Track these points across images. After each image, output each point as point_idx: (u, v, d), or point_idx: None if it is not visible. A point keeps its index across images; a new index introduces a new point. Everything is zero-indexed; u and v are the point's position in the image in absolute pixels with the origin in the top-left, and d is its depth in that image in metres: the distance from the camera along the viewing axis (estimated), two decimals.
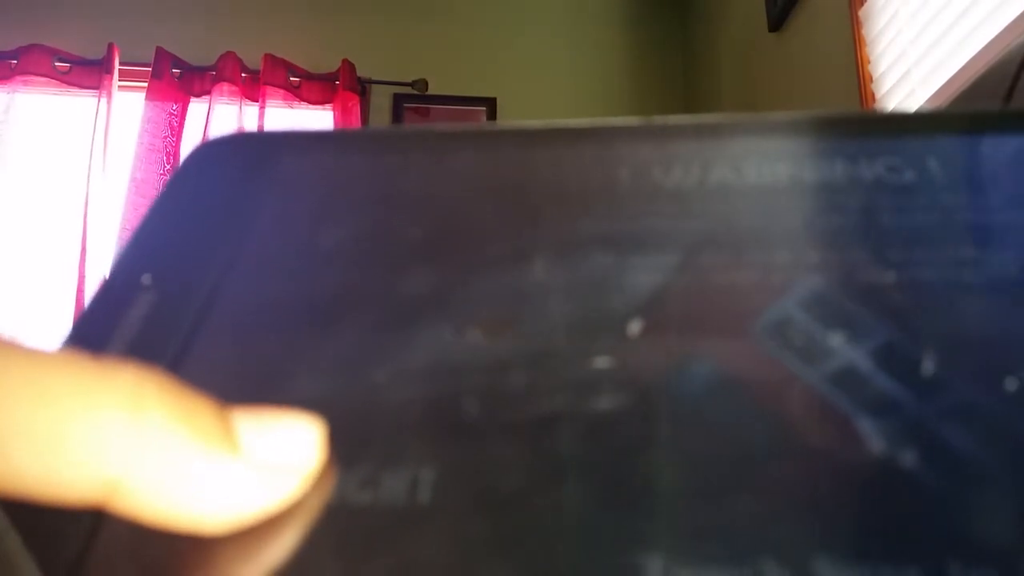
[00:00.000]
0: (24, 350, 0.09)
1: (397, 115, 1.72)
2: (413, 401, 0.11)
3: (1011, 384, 0.10)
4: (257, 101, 1.62)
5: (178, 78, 1.64)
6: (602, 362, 0.11)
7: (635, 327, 0.12)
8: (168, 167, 1.57)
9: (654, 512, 0.09)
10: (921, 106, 0.93)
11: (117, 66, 1.60)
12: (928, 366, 0.11)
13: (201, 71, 1.65)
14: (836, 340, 0.11)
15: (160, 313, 0.12)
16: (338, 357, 0.12)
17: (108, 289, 0.13)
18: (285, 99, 1.65)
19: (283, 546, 0.09)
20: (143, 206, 1.52)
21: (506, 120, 1.19)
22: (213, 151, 0.16)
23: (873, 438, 0.10)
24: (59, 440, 0.09)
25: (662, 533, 0.09)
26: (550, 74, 1.77)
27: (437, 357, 0.11)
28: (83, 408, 0.09)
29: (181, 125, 1.62)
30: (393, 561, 0.09)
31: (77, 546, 0.09)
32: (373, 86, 1.72)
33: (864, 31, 1.10)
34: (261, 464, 0.09)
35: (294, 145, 0.16)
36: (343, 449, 0.10)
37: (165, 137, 1.60)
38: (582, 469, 0.10)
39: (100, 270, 1.45)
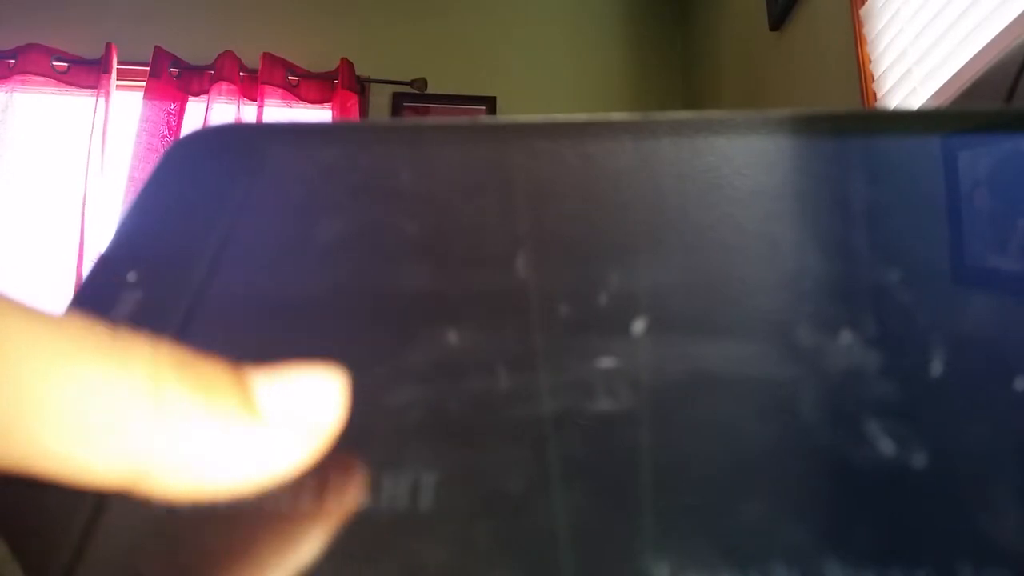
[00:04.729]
0: (39, 315, 0.09)
1: (396, 114, 1.72)
2: (412, 403, 0.11)
3: (1020, 383, 0.10)
4: (255, 100, 1.62)
5: (176, 77, 1.64)
6: (605, 362, 0.11)
7: (639, 326, 0.12)
8: None
9: (660, 516, 0.09)
10: (922, 105, 0.93)
11: (115, 66, 1.59)
12: (936, 366, 0.11)
13: (199, 70, 1.65)
14: (843, 339, 0.11)
15: (147, 311, 0.12)
16: (332, 357, 0.11)
17: (92, 287, 0.12)
18: (283, 98, 1.64)
19: (283, 552, 0.09)
20: None
21: None
22: (196, 143, 0.15)
23: (881, 439, 0.10)
24: (83, 422, 0.08)
25: (669, 538, 0.09)
26: (550, 73, 1.77)
27: (435, 357, 0.11)
28: (104, 384, 0.09)
29: (179, 124, 1.62)
30: (395, 567, 0.09)
31: (70, 550, 0.09)
32: (372, 85, 1.71)
33: (865, 30, 1.09)
34: (282, 423, 0.09)
35: (279, 137, 0.15)
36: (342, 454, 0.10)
37: (163, 137, 1.60)
38: (586, 472, 0.10)
39: None
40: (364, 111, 1.70)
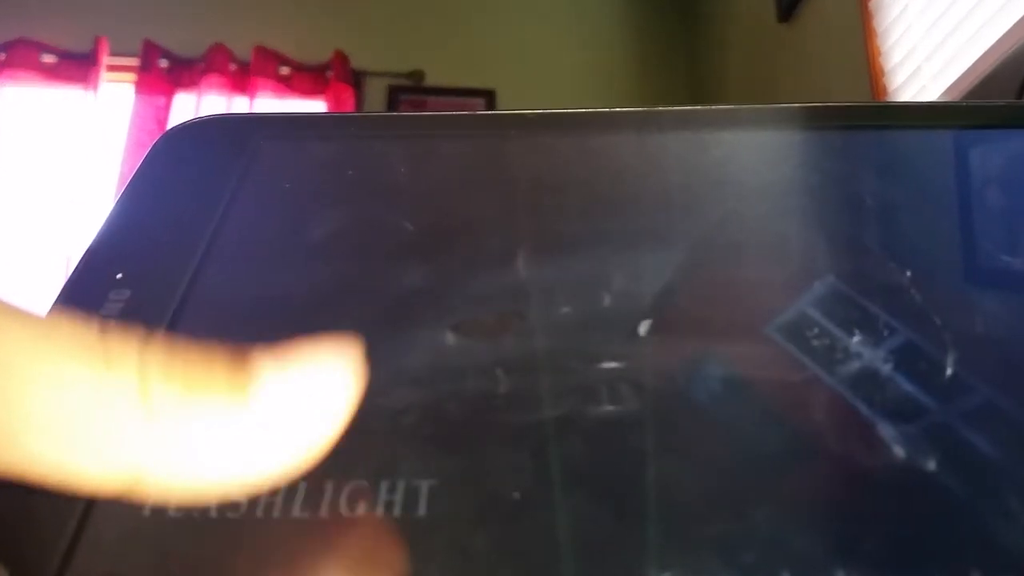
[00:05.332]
0: (23, 315, 0.09)
1: (392, 108, 1.71)
2: (409, 406, 0.10)
3: None
4: (247, 93, 1.61)
5: (166, 71, 1.63)
6: (610, 364, 0.11)
7: (643, 327, 0.11)
8: None
9: (663, 524, 0.09)
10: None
11: (105, 60, 1.58)
12: (949, 368, 0.10)
13: (190, 63, 1.64)
14: (854, 341, 0.11)
15: (135, 310, 0.12)
16: None
17: (79, 284, 0.12)
18: (276, 91, 1.63)
19: (276, 558, 0.09)
20: None
21: None
22: (184, 136, 0.15)
23: (893, 443, 0.10)
24: (73, 426, 0.08)
25: (672, 547, 0.09)
26: (551, 65, 1.75)
27: (433, 359, 0.11)
28: (91, 386, 0.08)
29: (168, 118, 1.61)
30: (392, 574, 0.09)
31: (58, 558, 0.09)
32: (367, 78, 1.70)
33: (875, 22, 1.08)
34: (281, 412, 0.09)
35: (270, 129, 0.15)
36: (336, 459, 0.10)
37: (153, 131, 1.59)
38: (588, 479, 0.10)
39: None
40: (359, 104, 1.69)
